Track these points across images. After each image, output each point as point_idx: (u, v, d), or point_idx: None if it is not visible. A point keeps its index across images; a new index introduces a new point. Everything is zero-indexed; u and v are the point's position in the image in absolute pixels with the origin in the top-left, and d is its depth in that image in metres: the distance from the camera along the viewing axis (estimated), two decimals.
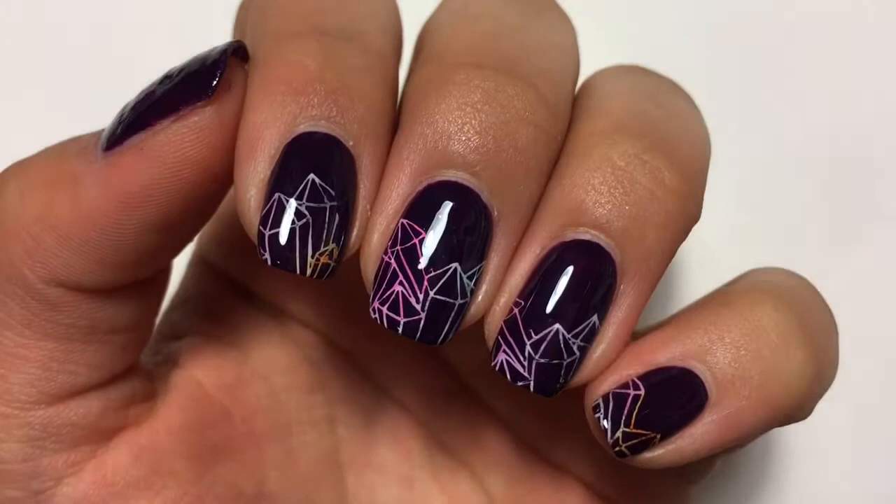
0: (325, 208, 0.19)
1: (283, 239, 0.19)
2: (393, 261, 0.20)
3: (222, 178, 0.20)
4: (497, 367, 0.20)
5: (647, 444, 0.20)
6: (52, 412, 0.21)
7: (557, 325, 0.20)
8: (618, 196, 0.20)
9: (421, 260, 0.19)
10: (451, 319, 0.20)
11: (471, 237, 0.20)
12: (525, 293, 0.20)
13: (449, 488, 0.26)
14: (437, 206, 0.19)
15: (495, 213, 0.20)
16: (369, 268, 0.20)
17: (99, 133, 0.20)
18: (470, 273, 0.20)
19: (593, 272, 0.20)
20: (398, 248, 0.20)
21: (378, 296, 0.20)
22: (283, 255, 0.19)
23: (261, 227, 0.19)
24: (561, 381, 0.20)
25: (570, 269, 0.20)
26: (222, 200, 0.21)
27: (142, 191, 0.19)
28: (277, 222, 0.19)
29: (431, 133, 0.20)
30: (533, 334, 0.20)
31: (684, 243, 0.21)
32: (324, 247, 0.19)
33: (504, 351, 0.20)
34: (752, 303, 0.21)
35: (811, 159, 0.33)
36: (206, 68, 0.19)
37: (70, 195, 0.20)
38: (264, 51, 0.20)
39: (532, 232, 0.20)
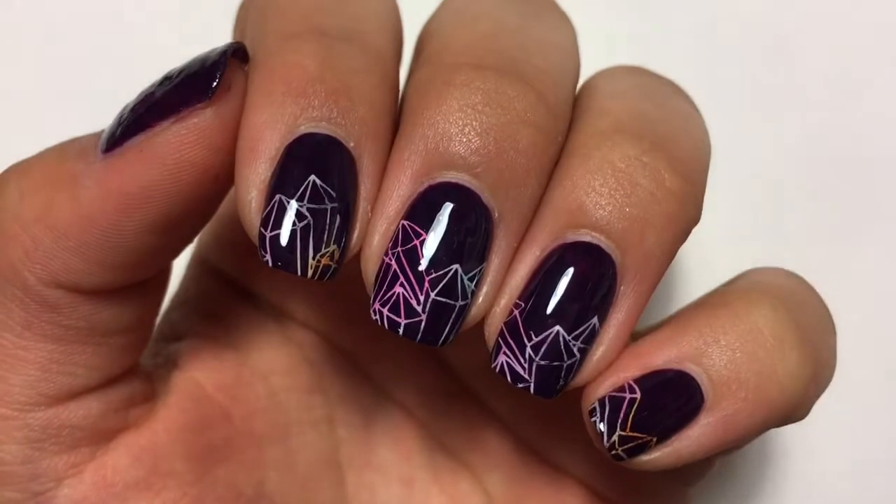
0: (326, 210, 0.19)
1: (284, 240, 0.19)
2: (394, 262, 0.20)
3: (222, 179, 0.20)
4: (497, 369, 0.20)
5: (643, 447, 0.20)
6: (52, 414, 0.21)
7: (558, 327, 0.20)
8: (618, 198, 0.20)
9: (422, 261, 0.19)
10: (451, 321, 0.20)
11: (471, 238, 0.20)
12: (525, 295, 0.20)
13: (449, 489, 0.26)
14: (438, 208, 0.19)
15: (496, 214, 0.20)
16: (370, 269, 0.20)
17: (98, 134, 0.20)
18: (471, 274, 0.20)
19: (593, 274, 0.20)
20: (399, 249, 0.19)
21: (379, 297, 0.20)
22: (284, 257, 0.19)
23: (262, 229, 0.19)
24: (561, 382, 0.20)
25: (571, 270, 0.20)
26: (222, 201, 0.21)
27: (141, 192, 0.19)
28: (278, 224, 0.19)
29: (432, 134, 0.20)
30: (533, 336, 0.20)
31: (684, 244, 0.21)
32: (325, 248, 0.19)
33: (504, 352, 0.20)
34: (748, 304, 0.21)
35: (811, 160, 0.33)
36: (206, 69, 0.19)
37: (69, 196, 0.19)
38: (264, 52, 0.20)
39: (532, 233, 0.20)
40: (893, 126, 0.33)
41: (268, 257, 0.19)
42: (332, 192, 0.19)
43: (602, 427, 0.20)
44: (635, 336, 0.21)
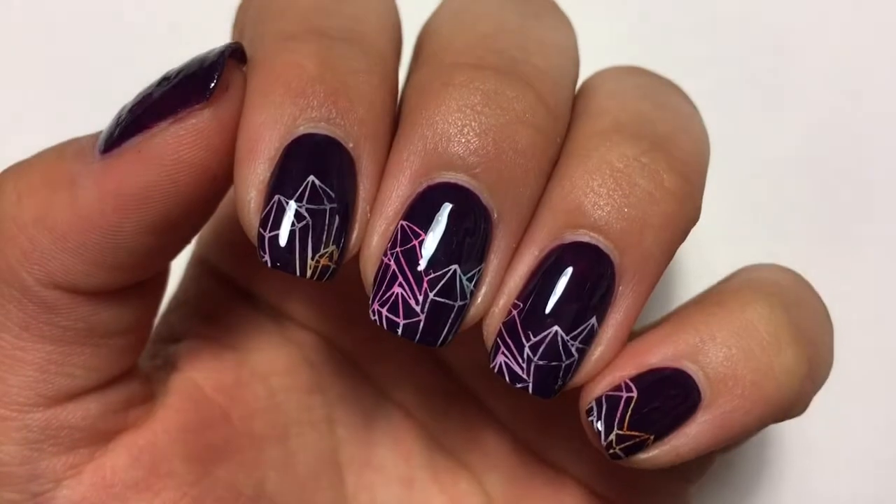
0: (325, 210, 0.19)
1: (282, 241, 0.19)
2: (392, 262, 0.20)
3: (220, 179, 0.20)
4: (496, 369, 0.20)
5: (641, 446, 0.20)
6: (51, 414, 0.21)
7: (556, 327, 0.20)
8: (616, 198, 0.20)
9: (420, 262, 0.19)
10: (450, 321, 0.20)
11: (470, 239, 0.20)
12: (524, 295, 0.20)
13: (448, 489, 0.26)
14: (437, 208, 0.19)
15: (495, 214, 0.20)
16: (369, 269, 0.20)
17: (96, 135, 0.20)
18: (469, 275, 0.20)
19: (592, 274, 0.20)
20: (398, 249, 0.19)
21: (378, 297, 0.20)
22: (283, 257, 0.19)
23: (261, 229, 0.19)
24: (559, 382, 0.20)
25: (569, 270, 0.20)
26: (220, 202, 0.21)
27: (139, 193, 0.19)
28: (277, 224, 0.19)
29: (431, 135, 0.20)
30: (532, 336, 0.20)
31: (684, 244, 0.21)
32: (324, 249, 0.19)
33: (503, 353, 0.20)
34: (743, 301, 0.21)
35: (810, 160, 0.33)
36: (204, 70, 0.19)
37: (67, 197, 0.19)
38: (263, 52, 0.20)
39: (531, 234, 0.20)
40: (893, 126, 0.33)
41: (267, 258, 0.19)
42: (331, 193, 0.19)
43: (599, 426, 0.20)
44: (633, 336, 0.21)
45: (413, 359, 0.26)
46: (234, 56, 0.20)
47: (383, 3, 0.22)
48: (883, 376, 0.34)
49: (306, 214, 0.19)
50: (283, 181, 0.19)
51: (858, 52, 0.33)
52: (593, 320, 0.20)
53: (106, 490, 0.22)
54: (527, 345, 0.20)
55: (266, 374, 0.25)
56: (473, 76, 0.20)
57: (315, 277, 0.19)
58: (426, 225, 0.19)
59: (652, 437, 0.20)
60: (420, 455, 0.26)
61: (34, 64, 0.35)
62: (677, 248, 0.21)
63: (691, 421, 0.20)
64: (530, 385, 0.20)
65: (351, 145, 0.19)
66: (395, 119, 0.21)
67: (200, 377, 0.24)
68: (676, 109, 0.22)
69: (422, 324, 0.19)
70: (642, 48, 0.34)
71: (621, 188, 0.20)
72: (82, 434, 0.21)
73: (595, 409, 0.20)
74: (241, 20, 0.23)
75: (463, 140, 0.19)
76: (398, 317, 0.19)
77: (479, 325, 0.20)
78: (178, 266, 0.25)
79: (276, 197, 0.19)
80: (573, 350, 0.20)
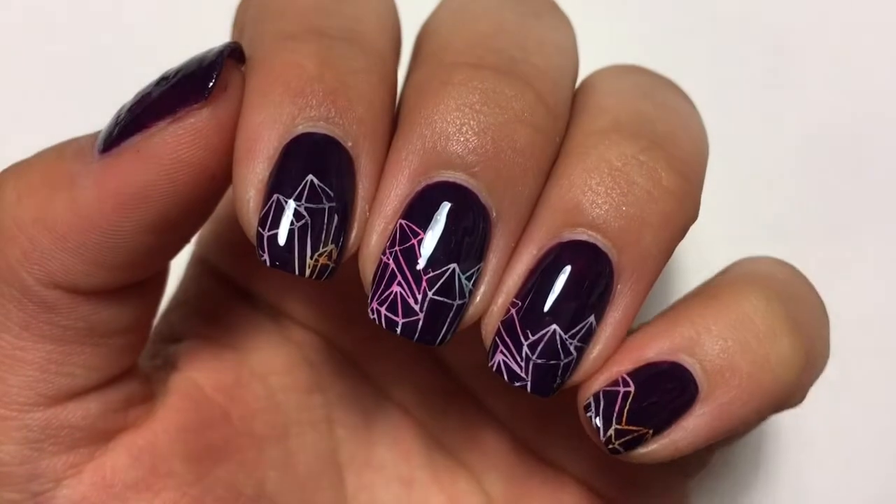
0: (324, 209, 0.19)
1: (281, 240, 0.19)
2: (391, 261, 0.20)
3: (219, 179, 0.20)
4: (494, 368, 0.20)
5: (640, 440, 0.20)
6: (51, 414, 0.21)
7: (554, 326, 0.20)
8: (615, 197, 0.20)
9: (419, 261, 0.19)
10: (449, 320, 0.20)
11: (469, 238, 0.20)
12: (522, 294, 0.20)
13: (448, 488, 0.26)
14: (436, 207, 0.19)
15: (494, 213, 0.20)
16: (368, 268, 0.20)
17: (96, 135, 0.20)
18: (468, 274, 0.20)
19: (590, 273, 0.20)
20: (396, 248, 0.20)
21: (376, 296, 0.20)
22: (282, 256, 0.19)
23: (259, 228, 0.19)
24: (558, 381, 0.20)
25: (568, 269, 0.20)
26: (220, 201, 0.21)
27: (138, 192, 0.19)
28: (276, 223, 0.19)
29: (430, 134, 0.20)
30: (530, 335, 0.20)
31: (683, 245, 0.21)
32: (322, 248, 0.19)
33: (501, 351, 0.20)
34: (738, 293, 0.21)
35: (809, 159, 0.33)
36: (203, 70, 0.19)
37: (67, 197, 0.19)
38: (262, 52, 0.20)
39: (530, 232, 0.20)
40: (893, 126, 0.33)
41: (266, 257, 0.19)
42: (329, 192, 0.19)
43: (598, 422, 0.20)
44: (630, 334, 0.21)
45: (412, 358, 0.26)
46: (232, 55, 0.20)
47: (382, 2, 0.22)
48: (882, 376, 0.34)
49: (305, 213, 0.19)
50: (281, 180, 0.19)
51: (858, 52, 0.33)
52: (592, 319, 0.20)
53: (106, 490, 0.22)
54: (525, 343, 0.20)
55: (266, 373, 0.25)
56: (472, 75, 0.20)
57: (314, 276, 0.19)
58: (425, 224, 0.19)
59: (651, 432, 0.20)
60: (419, 454, 0.26)
61: (34, 64, 0.35)
62: (676, 246, 0.21)
63: (689, 414, 0.20)
64: (529, 384, 0.20)
65: (350, 144, 0.19)
66: (394, 118, 0.21)
67: (200, 377, 0.24)
68: (675, 108, 0.22)
69: (421, 323, 0.19)
70: (642, 48, 0.34)
71: (620, 187, 0.20)
72: (82, 434, 0.21)
73: (593, 404, 0.20)
74: (241, 19, 0.23)
75: (462, 139, 0.19)
76: (397, 316, 0.20)
77: (477, 323, 0.20)
78: (178, 266, 0.25)
79: (275, 196, 0.19)
80: (571, 348, 0.20)
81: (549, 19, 0.23)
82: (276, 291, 0.26)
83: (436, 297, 0.19)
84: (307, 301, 0.26)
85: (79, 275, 0.20)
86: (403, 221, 0.19)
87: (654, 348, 0.21)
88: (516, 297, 0.20)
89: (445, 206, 0.19)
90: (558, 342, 0.20)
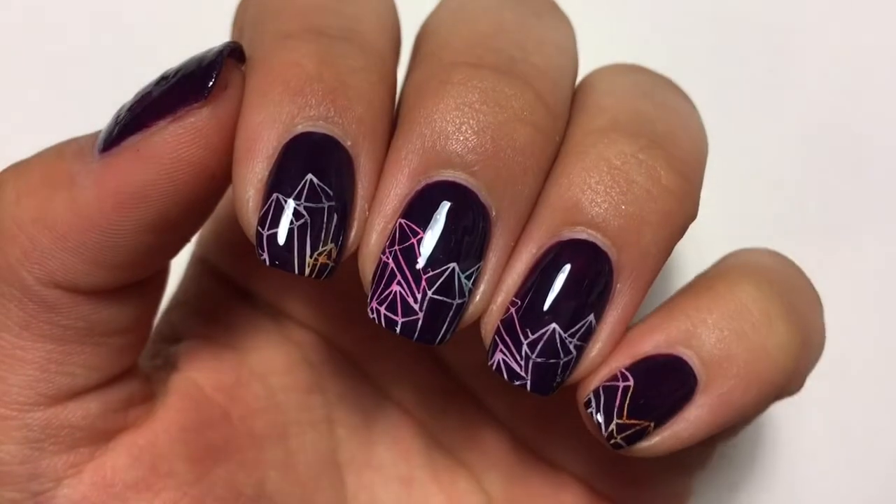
0: (324, 208, 0.19)
1: (281, 239, 0.19)
2: (391, 261, 0.20)
3: (219, 178, 0.20)
4: (494, 367, 0.20)
5: (641, 434, 0.20)
6: (51, 414, 0.21)
7: (554, 325, 0.20)
8: (614, 195, 0.20)
9: (419, 260, 0.19)
10: (449, 319, 0.20)
11: (469, 237, 0.20)
12: (522, 292, 0.20)
13: (448, 488, 0.26)
14: (436, 206, 0.19)
15: (493, 212, 0.20)
16: (367, 268, 0.20)
17: (96, 134, 0.20)
18: (468, 273, 0.20)
19: (590, 271, 0.20)
20: (396, 248, 0.20)
21: (376, 296, 0.20)
22: (282, 256, 0.19)
23: (259, 228, 0.19)
24: (557, 379, 0.20)
25: (567, 268, 0.20)
26: (219, 201, 0.21)
27: (138, 192, 0.19)
28: (276, 222, 0.19)
29: (429, 133, 0.20)
30: (529, 334, 0.20)
31: (683, 245, 0.21)
32: (322, 247, 0.19)
33: (501, 350, 0.20)
34: (732, 283, 0.21)
35: (811, 160, 0.33)
36: (202, 69, 0.19)
37: (67, 196, 0.20)
38: (262, 51, 0.20)
39: (529, 231, 0.20)
40: (893, 126, 0.33)
41: (265, 256, 0.19)
42: (329, 191, 0.19)
43: (599, 417, 0.20)
44: (628, 329, 0.21)
45: (412, 357, 0.26)
46: (232, 55, 0.20)
47: (382, 2, 0.22)
48: (882, 375, 0.34)
49: (305, 213, 0.19)
50: (281, 180, 0.19)
51: (858, 52, 0.33)
52: (591, 317, 0.20)
53: (106, 489, 0.22)
54: (525, 342, 0.20)
55: (266, 373, 0.25)
56: (472, 74, 0.20)
57: (314, 276, 0.19)
58: (425, 223, 0.19)
59: (652, 424, 0.20)
60: (419, 454, 0.26)
61: (34, 64, 0.35)
62: (675, 245, 0.21)
63: (690, 405, 0.20)
64: (528, 382, 0.20)
65: (349, 144, 0.20)
66: (393, 118, 0.21)
67: (200, 376, 0.24)
68: (675, 107, 0.22)
69: (420, 322, 0.19)
70: (642, 48, 0.34)
71: (619, 185, 0.20)
72: (83, 433, 0.21)
73: (593, 400, 0.21)
74: (241, 19, 0.23)
75: (461, 138, 0.19)
76: (397, 315, 0.20)
77: (477, 323, 0.20)
78: (179, 266, 0.25)
79: (275, 195, 0.19)
80: (571, 347, 0.20)
81: (549, 19, 0.23)
82: (276, 291, 0.26)
83: (435, 297, 0.19)
84: (307, 301, 0.26)
85: (79, 274, 0.20)
86: (403, 221, 0.19)
87: (651, 342, 0.21)
88: (516, 295, 0.20)
89: (445, 206, 0.19)
90: (558, 341, 0.20)
